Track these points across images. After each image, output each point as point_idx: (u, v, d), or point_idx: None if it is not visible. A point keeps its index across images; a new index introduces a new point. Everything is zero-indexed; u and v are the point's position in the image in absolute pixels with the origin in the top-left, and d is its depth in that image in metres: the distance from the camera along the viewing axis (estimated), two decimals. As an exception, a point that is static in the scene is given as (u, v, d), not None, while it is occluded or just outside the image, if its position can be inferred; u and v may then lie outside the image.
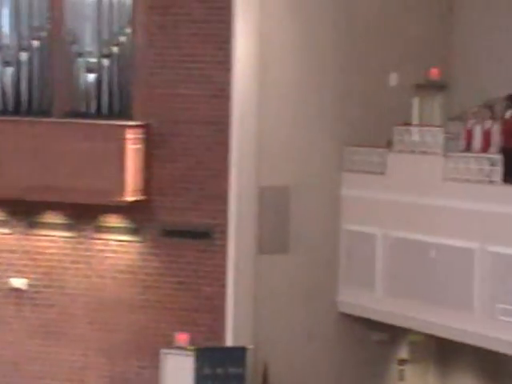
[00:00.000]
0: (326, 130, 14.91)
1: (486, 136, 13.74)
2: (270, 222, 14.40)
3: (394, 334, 14.94)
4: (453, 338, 13.25)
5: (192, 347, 13.82)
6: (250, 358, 13.74)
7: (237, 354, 13.68)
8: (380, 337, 14.97)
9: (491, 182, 12.90)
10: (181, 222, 14.28)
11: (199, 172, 14.28)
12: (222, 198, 14.18)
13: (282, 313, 14.44)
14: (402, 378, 14.91)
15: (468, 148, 13.85)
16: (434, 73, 15.77)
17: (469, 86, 15.54)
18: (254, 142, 14.20)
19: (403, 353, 15.20)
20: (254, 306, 14.16)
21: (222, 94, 14.18)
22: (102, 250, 14.55)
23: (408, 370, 14.89)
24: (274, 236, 14.45)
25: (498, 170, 12.81)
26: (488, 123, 13.76)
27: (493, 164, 12.93)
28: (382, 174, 14.47)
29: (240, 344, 13.82)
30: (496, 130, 13.66)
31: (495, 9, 15.46)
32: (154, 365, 14.13)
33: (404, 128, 14.51)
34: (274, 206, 14.46)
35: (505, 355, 12.85)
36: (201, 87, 14.25)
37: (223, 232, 14.17)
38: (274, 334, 14.29)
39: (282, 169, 14.53)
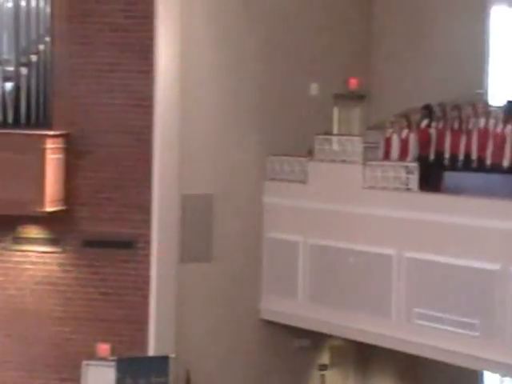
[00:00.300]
0: (248, 139, 15.03)
1: (404, 145, 14.03)
2: (193, 230, 14.45)
3: (316, 340, 15.10)
4: (371, 342, 13.47)
5: (113, 358, 13.76)
6: (172, 367, 13.73)
7: (159, 364, 13.65)
8: (302, 343, 15.11)
9: (408, 189, 13.14)
10: (103, 232, 14.22)
11: (122, 182, 14.25)
12: (145, 208, 14.17)
13: (204, 321, 14.49)
14: (323, 383, 15.06)
15: (386, 157, 14.10)
16: (353, 83, 15.99)
17: (387, 95, 15.78)
18: (176, 151, 14.23)
19: (324, 358, 15.37)
20: (177, 315, 14.17)
21: (144, 103, 14.19)
22: (21, 262, 14.37)
23: (328, 375, 15.04)
24: (197, 244, 14.50)
25: (415, 177, 13.06)
26: (405, 132, 14.09)
27: (409, 172, 13.18)
28: (303, 182, 14.63)
29: (163, 353, 13.81)
30: (412, 138, 13.98)
31: (414, 19, 15.74)
32: (75, 377, 14.00)
33: (324, 137, 14.69)
34: (197, 215, 14.51)
35: (423, 358, 13.13)
36: (123, 96, 14.23)
37: (147, 242, 14.15)
38: (197, 343, 14.32)
39: (205, 177, 14.60)
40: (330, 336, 14.69)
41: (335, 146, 14.46)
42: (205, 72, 14.58)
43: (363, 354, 15.40)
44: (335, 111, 15.99)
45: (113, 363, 13.64)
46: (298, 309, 14.46)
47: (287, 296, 14.62)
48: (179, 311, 14.20)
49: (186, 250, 14.37)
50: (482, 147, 13.33)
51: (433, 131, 14.00)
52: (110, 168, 14.25)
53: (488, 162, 13.22)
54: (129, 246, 14.15)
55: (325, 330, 14.19)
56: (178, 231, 14.24)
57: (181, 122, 14.24)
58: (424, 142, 13.98)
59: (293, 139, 15.08)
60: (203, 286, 14.49)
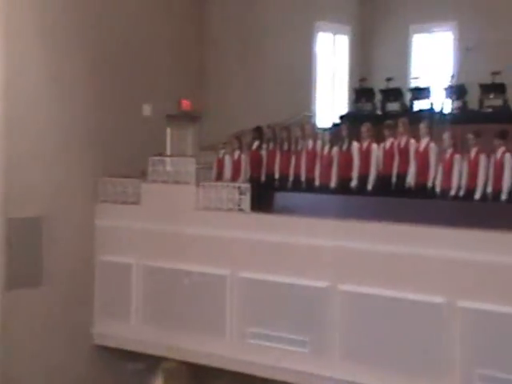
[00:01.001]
0: (79, 161, 14.68)
1: (236, 166, 14.22)
2: (21, 254, 13.92)
3: (150, 362, 14.89)
4: (206, 363, 13.41)
5: None
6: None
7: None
8: (136, 366, 14.87)
9: (240, 210, 13.25)
10: None
11: None
12: (-29, 232, 13.60)
13: (35, 348, 13.99)
14: (157, 406, 14.88)
15: (219, 178, 14.22)
16: (186, 104, 16.02)
17: (220, 117, 15.95)
18: (0, 174, 13.74)
19: (158, 381, 15.19)
20: (3, 343, 13.62)
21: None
22: None
23: (163, 397, 14.91)
24: (25, 270, 13.96)
25: (247, 198, 13.19)
26: (237, 154, 14.26)
27: (242, 193, 13.30)
28: (136, 204, 14.47)
29: (-9, 382, 13.26)
30: (244, 160, 14.18)
31: (246, 44, 16.01)
32: None
33: (158, 158, 14.60)
34: (24, 239, 14.00)
35: (259, 378, 13.22)
36: None
37: (-25, 268, 13.57)
38: (24, 372, 13.80)
39: (33, 200, 14.09)
40: (165, 358, 14.55)
41: (168, 167, 14.39)
42: (32, 92, 14.12)
43: (198, 375, 15.32)
44: (168, 132, 15.96)
45: None
46: (131, 332, 14.23)
47: (120, 319, 14.36)
48: (6, 339, 13.63)
49: (13, 276, 13.78)
50: (310, 168, 13.69)
51: (264, 152, 14.24)
52: None
53: (316, 182, 13.60)
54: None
55: (159, 353, 14.03)
56: (3, 256, 13.69)
57: (6, 143, 13.74)
58: (255, 163, 14.20)
59: (126, 160, 14.87)
60: (32, 312, 13.97)
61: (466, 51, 14.85)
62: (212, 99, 16.18)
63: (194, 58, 16.13)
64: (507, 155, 12.01)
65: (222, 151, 14.43)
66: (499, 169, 12.01)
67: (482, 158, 12.18)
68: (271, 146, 14.23)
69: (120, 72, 15.09)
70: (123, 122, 15.11)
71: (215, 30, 16.30)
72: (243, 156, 14.21)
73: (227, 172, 14.23)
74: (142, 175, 14.72)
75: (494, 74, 13.78)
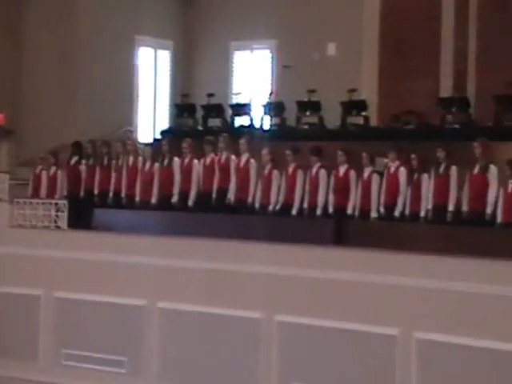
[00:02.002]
0: None
1: (52, 182, 13.84)
2: None
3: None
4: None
5: None
6: None
7: None
8: None
9: (58, 227, 12.85)
10: None
11: None
12: None
13: None
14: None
15: (36, 194, 13.76)
16: (0, 118, 15.50)
17: (40, 131, 15.46)
18: None
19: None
20: None
21: None
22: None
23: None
24: None
25: (64, 215, 12.82)
26: (53, 169, 13.90)
27: (59, 210, 12.91)
28: None
29: None
30: (61, 176, 13.84)
31: (64, 58, 15.64)
32: None
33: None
34: None
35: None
36: None
37: None
38: None
39: None
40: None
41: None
42: None
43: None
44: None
45: None
46: None
47: None
48: None
49: None
50: (131, 184, 13.46)
51: (83, 168, 13.92)
52: None
53: (137, 198, 13.38)
54: None
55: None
56: None
57: None
58: (73, 178, 13.88)
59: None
60: None
61: (283, 69, 15.10)
62: (29, 113, 15.70)
63: (9, 71, 15.59)
64: (322, 171, 12.22)
65: (39, 167, 14.03)
66: (315, 184, 12.20)
67: (299, 174, 12.35)
68: (91, 161, 13.92)
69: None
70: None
71: (31, 41, 15.84)
72: (59, 172, 13.87)
73: (43, 188, 13.83)
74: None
75: (310, 91, 14.06)
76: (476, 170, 11.43)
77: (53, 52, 15.57)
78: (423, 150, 11.97)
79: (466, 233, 10.87)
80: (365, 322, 10.31)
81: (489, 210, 11.24)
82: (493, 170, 11.35)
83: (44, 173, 13.90)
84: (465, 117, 13.23)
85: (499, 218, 11.17)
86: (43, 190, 13.80)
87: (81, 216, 13.10)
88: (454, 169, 11.58)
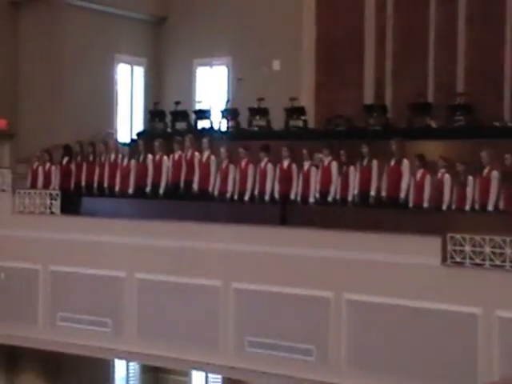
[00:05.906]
0: None
1: (47, 176, 14.01)
2: None
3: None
4: (19, 344, 13.04)
5: None
6: None
7: None
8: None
9: (52, 213, 13.03)
10: None
11: None
12: None
13: None
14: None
15: (34, 186, 13.94)
16: (2, 123, 15.51)
17: (35, 134, 15.46)
18: None
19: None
20: None
21: None
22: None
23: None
24: None
25: (57, 203, 13.02)
26: (48, 165, 14.07)
27: (53, 198, 13.10)
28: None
29: None
30: (54, 171, 14.04)
31: (55, 65, 15.59)
32: None
33: (-22, 170, 13.96)
34: None
35: (66, 355, 13.06)
36: None
37: None
38: None
39: None
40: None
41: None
42: None
43: (13, 357, 14.72)
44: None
45: None
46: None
47: None
48: None
49: None
50: (112, 177, 13.64)
51: (73, 166, 14.16)
52: None
53: (117, 189, 13.53)
54: None
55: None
56: None
57: None
58: (65, 175, 14.12)
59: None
60: None
61: (237, 81, 15.28)
62: (26, 118, 15.69)
63: (8, 79, 15.51)
64: (269, 165, 12.50)
65: (36, 163, 14.20)
66: (263, 176, 12.49)
67: (251, 167, 12.60)
68: (79, 158, 14.07)
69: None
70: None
71: (26, 57, 15.74)
72: (53, 167, 14.10)
73: (40, 181, 14.03)
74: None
75: (260, 99, 14.28)
76: (392, 163, 11.78)
77: (46, 67, 15.61)
78: (350, 147, 12.23)
79: (385, 214, 11.19)
80: (303, 287, 10.50)
81: (402, 195, 11.64)
82: (405, 163, 11.72)
83: (40, 168, 14.07)
84: (384, 120, 13.46)
85: (411, 202, 11.61)
86: (40, 183, 13.98)
87: (71, 203, 13.28)
88: (374, 162, 11.92)
